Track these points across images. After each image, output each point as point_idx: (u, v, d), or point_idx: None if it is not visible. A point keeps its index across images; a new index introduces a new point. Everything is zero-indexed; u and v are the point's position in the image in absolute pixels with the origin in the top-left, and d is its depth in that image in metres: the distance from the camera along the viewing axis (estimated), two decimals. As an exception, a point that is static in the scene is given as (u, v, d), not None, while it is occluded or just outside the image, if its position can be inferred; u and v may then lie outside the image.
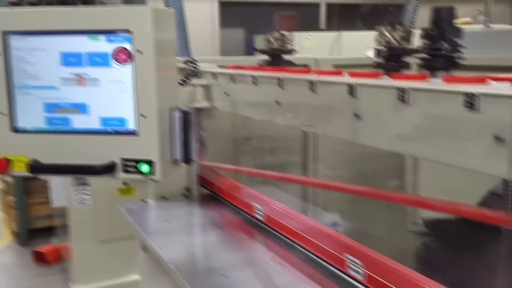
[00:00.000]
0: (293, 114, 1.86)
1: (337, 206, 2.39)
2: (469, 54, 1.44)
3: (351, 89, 1.47)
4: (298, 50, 2.48)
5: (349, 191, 2.16)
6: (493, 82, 1.21)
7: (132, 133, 1.77)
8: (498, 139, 1.04)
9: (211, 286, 1.76)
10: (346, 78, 1.61)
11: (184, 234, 2.26)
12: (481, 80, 1.21)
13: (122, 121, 1.78)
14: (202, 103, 2.46)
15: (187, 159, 1.89)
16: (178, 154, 1.86)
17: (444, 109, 1.18)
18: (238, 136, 2.80)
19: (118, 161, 1.78)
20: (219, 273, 1.83)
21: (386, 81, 1.45)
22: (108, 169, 1.78)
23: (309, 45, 5.74)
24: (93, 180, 2.17)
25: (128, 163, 1.77)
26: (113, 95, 1.76)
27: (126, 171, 1.77)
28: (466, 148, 1.14)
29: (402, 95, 1.28)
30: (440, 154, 1.21)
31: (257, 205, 2.25)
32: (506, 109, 1.04)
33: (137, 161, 1.76)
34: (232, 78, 2.25)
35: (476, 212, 1.54)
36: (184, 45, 4.23)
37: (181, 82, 2.41)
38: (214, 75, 2.44)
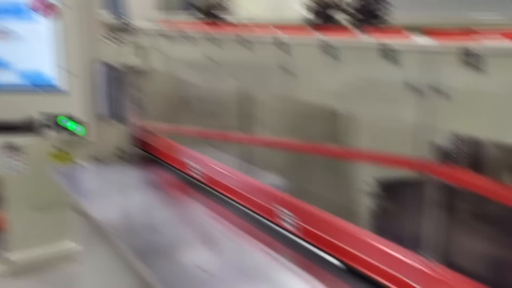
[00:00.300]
0: (226, 72, 1.90)
1: (279, 167, 2.46)
2: (401, 15, 1.51)
3: (280, 44, 1.52)
4: (235, 9, 2.50)
5: (289, 147, 2.20)
6: (413, 36, 1.29)
7: (54, 88, 1.73)
8: (414, 89, 1.13)
9: (148, 244, 1.81)
10: (276, 34, 1.66)
11: (119, 195, 2.28)
12: (401, 34, 1.29)
13: (42, 75, 1.73)
14: (135, 62, 2.44)
15: (118, 118, 1.89)
16: (108, 112, 1.86)
17: (368, 62, 1.26)
18: (176, 97, 2.81)
19: (39, 117, 1.74)
20: (156, 231, 1.88)
21: (312, 35, 1.51)
22: (28, 125, 1.73)
23: (248, 4, 5.70)
24: (25, 145, 2.13)
25: (50, 119, 1.74)
26: (33, 48, 1.71)
27: (50, 128, 1.74)
28: (387, 99, 1.22)
29: (327, 48, 1.34)
30: (363, 106, 1.29)
31: (194, 165, 2.30)
32: (423, 61, 1.12)
33: (61, 117, 1.73)
34: (166, 35, 2.25)
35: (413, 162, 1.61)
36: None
37: (110, 38, 2.37)
38: (147, 32, 2.42)
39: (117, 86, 1.85)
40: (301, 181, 2.25)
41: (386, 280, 1.40)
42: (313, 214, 1.69)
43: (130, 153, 2.64)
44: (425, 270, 1.30)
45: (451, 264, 1.29)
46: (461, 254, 1.38)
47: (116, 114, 1.86)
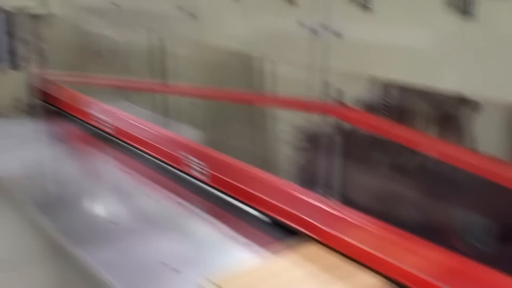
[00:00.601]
0: (132, 17, 1.86)
1: (191, 117, 2.46)
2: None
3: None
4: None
5: (201, 95, 2.20)
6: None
7: None
8: (313, 31, 1.17)
9: (52, 198, 1.78)
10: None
11: (21, 150, 2.21)
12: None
13: None
14: (33, 6, 2.32)
15: (15, 66, 1.80)
16: (3, 59, 1.76)
17: (267, 4, 1.28)
18: (80, 45, 2.71)
19: None
20: (61, 185, 1.86)
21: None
22: None
23: None
24: None
25: None
26: None
27: None
28: (288, 42, 1.25)
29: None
30: (268, 51, 1.32)
31: (100, 116, 2.27)
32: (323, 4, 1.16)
33: None
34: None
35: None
36: None
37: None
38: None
39: (13, 31, 1.75)
40: (215, 130, 2.28)
41: (296, 224, 1.47)
42: (222, 162, 1.72)
43: (31, 104, 2.54)
44: (334, 212, 1.37)
45: (361, 206, 1.36)
46: (367, 195, 1.46)
47: (12, 62, 1.77)
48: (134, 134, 2.12)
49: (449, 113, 1.17)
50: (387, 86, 1.38)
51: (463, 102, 1.14)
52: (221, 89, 1.98)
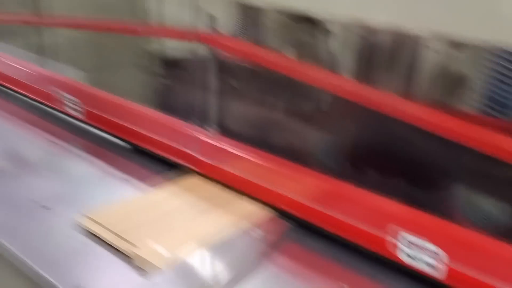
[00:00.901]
0: None
1: (71, 56, 2.34)
2: None
3: None
4: None
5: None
6: None
7: None
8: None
9: None
10: None
11: None
12: None
13: None
14: None
15: None
16: None
17: None
18: None
19: None
20: None
21: None
22: None
23: None
24: None
25: None
26: None
27: None
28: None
29: None
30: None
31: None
32: None
33: None
34: None
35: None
36: None
37: None
38: None
39: None
40: (91, 67, 2.18)
41: (175, 156, 1.47)
42: (97, 97, 1.66)
43: None
44: (212, 142, 1.38)
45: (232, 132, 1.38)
46: (241, 123, 1.48)
47: None
48: (2, 72, 1.99)
49: (304, 36, 1.19)
50: (248, 9, 1.38)
51: (315, 24, 1.15)
52: (96, 19, 1.87)
